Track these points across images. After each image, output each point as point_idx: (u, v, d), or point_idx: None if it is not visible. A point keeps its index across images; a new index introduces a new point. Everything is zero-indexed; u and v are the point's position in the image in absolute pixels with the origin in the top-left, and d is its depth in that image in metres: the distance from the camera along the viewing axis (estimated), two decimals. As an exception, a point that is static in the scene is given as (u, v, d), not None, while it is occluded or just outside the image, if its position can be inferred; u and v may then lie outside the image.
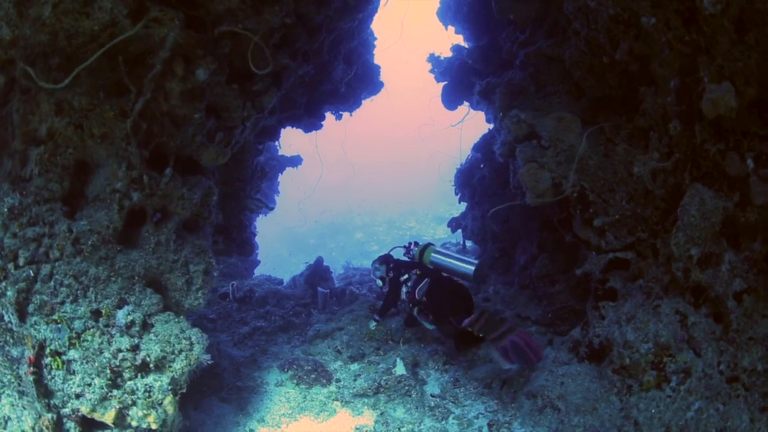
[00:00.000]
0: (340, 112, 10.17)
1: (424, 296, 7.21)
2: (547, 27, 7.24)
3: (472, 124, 11.39)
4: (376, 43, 10.40)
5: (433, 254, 7.61)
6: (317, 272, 9.99)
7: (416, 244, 7.97)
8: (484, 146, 9.74)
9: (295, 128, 9.43)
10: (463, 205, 12.02)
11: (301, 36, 6.53)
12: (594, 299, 6.07)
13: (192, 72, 4.95)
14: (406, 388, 6.06)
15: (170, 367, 4.55)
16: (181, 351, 4.59)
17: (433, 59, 11.44)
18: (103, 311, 4.53)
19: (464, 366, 7.03)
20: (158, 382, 4.46)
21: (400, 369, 6.33)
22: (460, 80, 10.70)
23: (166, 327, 4.65)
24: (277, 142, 12.73)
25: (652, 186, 5.03)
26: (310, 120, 8.91)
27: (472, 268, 7.29)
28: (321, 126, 9.49)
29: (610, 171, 5.50)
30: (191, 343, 4.64)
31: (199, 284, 5.04)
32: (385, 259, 7.93)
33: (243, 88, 5.68)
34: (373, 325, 7.56)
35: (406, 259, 7.99)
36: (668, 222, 5.11)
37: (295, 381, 6.41)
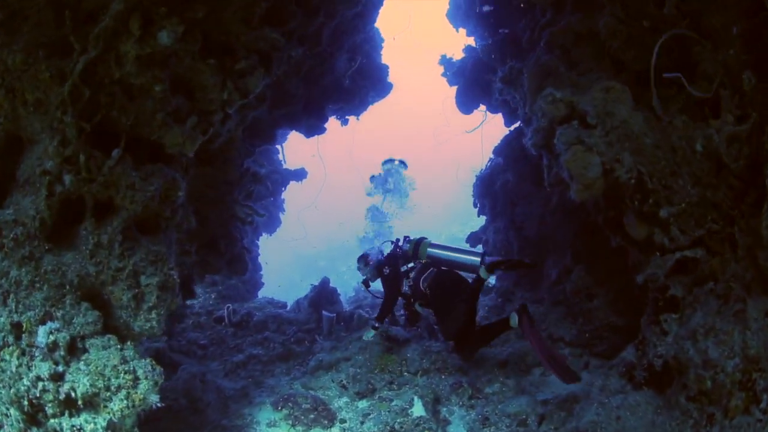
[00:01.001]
0: (346, 116, 9.06)
1: (428, 288, 6.44)
2: (572, 2, 6.13)
3: (489, 131, 10.28)
4: (383, 45, 9.36)
5: (429, 248, 6.59)
6: (323, 294, 8.79)
7: (407, 238, 6.97)
8: (505, 149, 8.58)
9: (294, 131, 8.33)
10: (481, 221, 10.83)
11: (295, 15, 5.47)
12: (653, 312, 4.88)
13: (153, 34, 3.88)
14: (426, 432, 4.82)
15: (106, 407, 3.36)
16: (119, 388, 3.43)
17: (444, 61, 10.45)
18: (25, 325, 3.43)
19: (494, 400, 5.77)
20: (90, 424, 3.29)
21: (418, 409, 5.12)
22: (475, 80, 9.65)
23: (103, 355, 3.52)
24: (280, 155, 11.71)
25: (729, 158, 3.87)
26: (311, 121, 7.82)
27: (478, 259, 6.37)
28: (324, 129, 8.39)
29: (669, 150, 4.32)
30: (135, 379, 3.49)
31: (153, 302, 3.89)
32: (375, 255, 6.91)
33: (222, 65, 4.60)
34: (371, 334, 6.54)
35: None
36: (747, 204, 3.98)
37: (290, 421, 5.20)
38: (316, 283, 9.08)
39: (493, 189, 8.99)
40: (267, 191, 10.50)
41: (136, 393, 3.42)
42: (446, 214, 34.26)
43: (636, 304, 5.72)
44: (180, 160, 4.78)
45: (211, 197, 6.38)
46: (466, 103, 10.28)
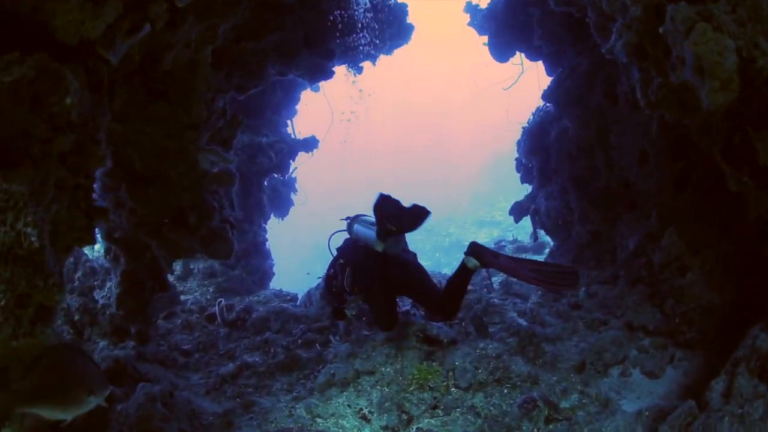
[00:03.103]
0: (359, 63, 6.94)
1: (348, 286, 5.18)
2: None
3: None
4: None
5: (356, 226, 5.25)
6: None
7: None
8: (557, 91, 6.40)
9: (295, 77, 6.23)
10: (513, 196, 8.70)
11: None
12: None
13: None
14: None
15: None
16: None
17: (470, 8, 8.41)
18: None
19: (579, 421, 3.81)
20: None
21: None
22: (508, 23, 7.59)
23: None
24: (289, 128, 9.66)
25: None
26: (314, 59, 5.72)
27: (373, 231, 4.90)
28: (331, 73, 6.29)
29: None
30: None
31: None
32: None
33: None
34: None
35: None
36: None
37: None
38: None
39: (544, 143, 6.80)
40: (270, 162, 8.50)
41: None
42: (470, 196, 32.02)
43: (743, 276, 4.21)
44: (89, 61, 2.74)
45: (173, 150, 4.37)
46: (500, 49, 8.15)
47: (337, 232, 5.86)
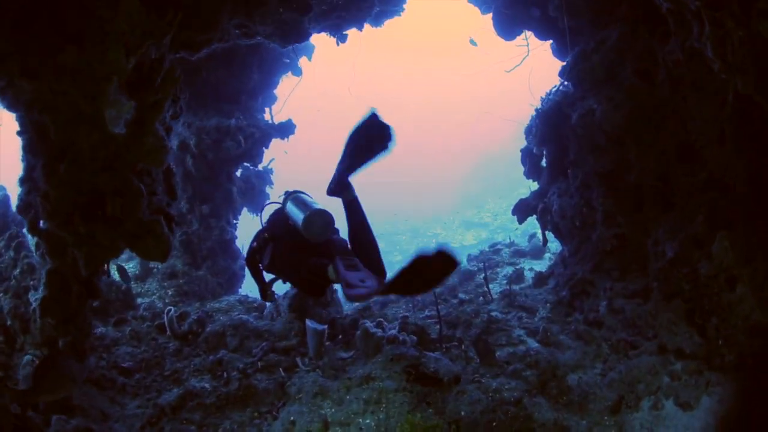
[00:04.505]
0: (343, 31, 5.67)
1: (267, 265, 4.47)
2: None
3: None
4: None
5: (289, 203, 4.31)
6: None
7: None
8: (581, 65, 5.18)
9: (263, 40, 4.93)
10: (508, 198, 7.45)
11: None
12: None
13: None
14: None
15: None
16: None
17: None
18: None
19: None
20: None
21: None
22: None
23: None
24: (267, 111, 8.38)
25: None
26: (285, 12, 4.44)
27: (302, 215, 4.01)
28: (308, 34, 5.00)
29: None
30: None
31: None
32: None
33: None
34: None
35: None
36: None
37: None
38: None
39: (560, 130, 5.58)
40: (238, 148, 7.23)
41: None
42: (458, 197, 30.85)
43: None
44: None
45: (87, 114, 3.10)
46: (506, 25, 7.00)
47: (271, 203, 5.03)
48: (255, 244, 4.51)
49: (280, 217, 4.48)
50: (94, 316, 6.26)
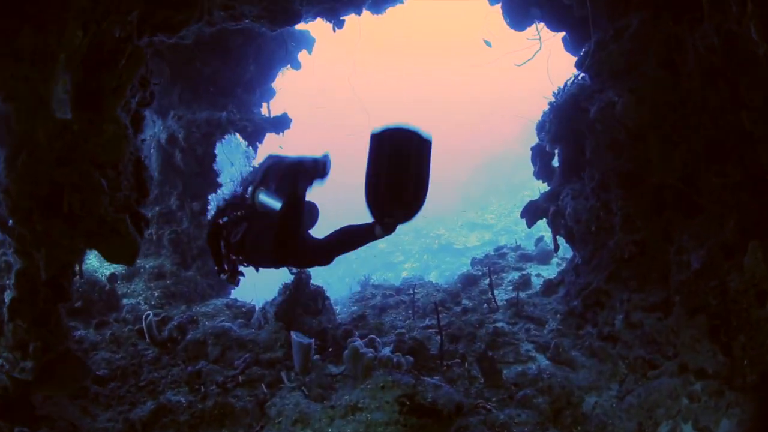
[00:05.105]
0: (339, 16, 5.20)
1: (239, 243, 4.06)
2: None
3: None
4: None
5: (263, 193, 3.96)
6: (297, 300, 4.91)
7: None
8: (599, 54, 4.69)
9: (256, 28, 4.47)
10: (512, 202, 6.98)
11: None
12: None
13: None
14: None
15: None
16: None
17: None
18: None
19: None
20: None
21: None
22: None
23: None
24: (264, 106, 7.96)
25: None
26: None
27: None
28: (297, 16, 4.52)
29: None
30: None
31: None
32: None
33: None
34: None
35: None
36: None
37: None
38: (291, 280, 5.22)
39: (575, 126, 5.09)
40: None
41: None
42: (460, 198, 30.25)
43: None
44: None
45: (46, 100, 2.68)
46: (517, 14, 6.52)
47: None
48: (224, 220, 4.08)
49: (246, 202, 4.07)
50: (75, 317, 5.87)
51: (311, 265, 4.20)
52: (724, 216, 4.06)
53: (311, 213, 3.97)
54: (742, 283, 3.91)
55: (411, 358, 3.46)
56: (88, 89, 3.08)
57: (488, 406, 3.09)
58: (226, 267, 4.15)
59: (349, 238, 3.71)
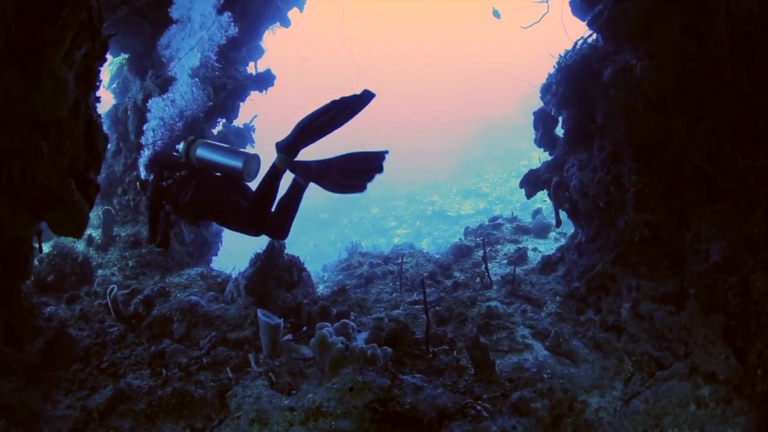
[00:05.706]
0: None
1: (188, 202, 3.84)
2: None
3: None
4: None
5: (200, 148, 3.86)
6: (269, 272, 4.43)
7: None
8: (615, 10, 4.11)
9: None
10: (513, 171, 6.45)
11: None
12: None
13: None
14: None
15: None
16: None
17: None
18: None
19: None
20: None
21: None
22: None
23: None
24: (252, 66, 7.37)
25: None
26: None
27: (241, 162, 3.72)
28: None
29: None
30: None
31: None
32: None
33: None
34: None
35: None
36: None
37: None
38: (262, 250, 4.74)
39: (586, 89, 4.55)
40: (209, 101, 6.16)
41: None
42: (458, 165, 29.58)
43: None
44: None
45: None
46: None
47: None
48: (169, 183, 3.85)
49: (181, 160, 3.94)
50: (47, 292, 5.45)
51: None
52: (750, 205, 3.59)
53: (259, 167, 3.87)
54: (766, 284, 3.48)
55: (389, 350, 3.01)
56: (25, 43, 2.53)
57: (478, 407, 2.68)
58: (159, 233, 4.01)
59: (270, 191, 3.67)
